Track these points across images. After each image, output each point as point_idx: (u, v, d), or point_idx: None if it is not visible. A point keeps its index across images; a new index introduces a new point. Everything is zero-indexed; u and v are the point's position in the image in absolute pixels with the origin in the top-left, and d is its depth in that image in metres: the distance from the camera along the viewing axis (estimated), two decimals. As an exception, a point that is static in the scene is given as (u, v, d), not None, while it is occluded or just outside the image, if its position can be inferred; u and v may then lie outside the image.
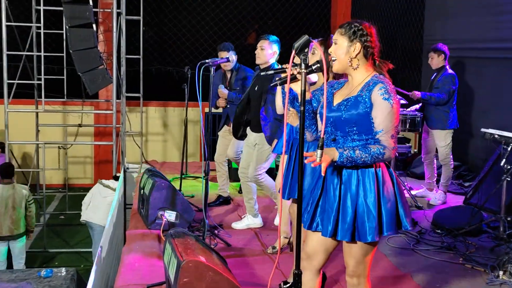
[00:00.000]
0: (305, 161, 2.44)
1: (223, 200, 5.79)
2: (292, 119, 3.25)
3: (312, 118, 2.74)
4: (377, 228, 2.55)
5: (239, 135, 4.98)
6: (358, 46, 2.61)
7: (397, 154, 6.45)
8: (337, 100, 2.67)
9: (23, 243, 5.96)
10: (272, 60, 4.71)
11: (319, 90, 2.82)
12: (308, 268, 2.71)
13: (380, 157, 2.51)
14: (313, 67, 2.51)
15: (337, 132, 2.64)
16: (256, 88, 4.76)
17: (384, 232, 2.58)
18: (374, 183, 2.57)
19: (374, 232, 2.54)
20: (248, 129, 4.92)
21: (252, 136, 4.83)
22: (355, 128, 2.57)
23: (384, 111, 2.52)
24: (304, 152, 2.42)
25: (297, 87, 2.60)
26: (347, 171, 2.59)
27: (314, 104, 2.77)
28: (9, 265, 5.92)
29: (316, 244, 2.72)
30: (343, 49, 2.62)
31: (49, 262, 6.56)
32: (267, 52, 4.66)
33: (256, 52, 4.74)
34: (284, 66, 2.64)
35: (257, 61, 4.74)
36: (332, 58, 2.64)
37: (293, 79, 2.57)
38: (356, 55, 2.62)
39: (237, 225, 4.97)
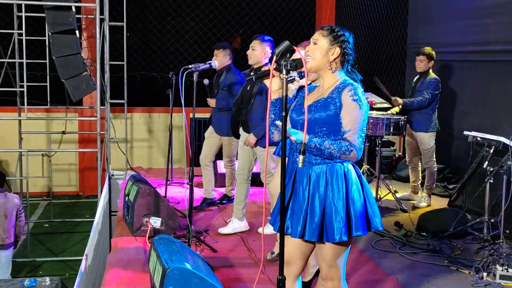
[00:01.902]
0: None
1: (209, 202, 5.78)
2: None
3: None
4: (346, 229, 2.58)
5: (238, 135, 5.02)
6: (337, 50, 2.66)
7: (381, 157, 6.48)
8: (307, 102, 2.70)
9: (10, 253, 5.90)
10: (266, 60, 4.74)
11: (300, 93, 2.85)
12: (287, 274, 2.69)
13: (347, 154, 2.54)
14: (288, 63, 2.51)
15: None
16: (248, 89, 4.81)
17: (353, 233, 2.60)
18: (343, 184, 2.60)
19: (342, 232, 2.56)
20: (241, 129, 4.96)
21: (244, 136, 4.87)
22: (324, 129, 2.61)
23: (352, 112, 2.56)
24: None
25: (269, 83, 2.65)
26: (316, 172, 2.63)
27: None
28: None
29: (292, 249, 2.74)
30: (322, 50, 2.66)
31: (34, 271, 6.47)
32: (259, 52, 4.70)
33: (248, 52, 4.78)
34: (265, 68, 2.67)
35: (250, 62, 4.79)
36: (308, 57, 2.67)
37: (267, 74, 2.63)
38: (334, 59, 2.66)
39: (224, 230, 4.94)
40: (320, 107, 2.62)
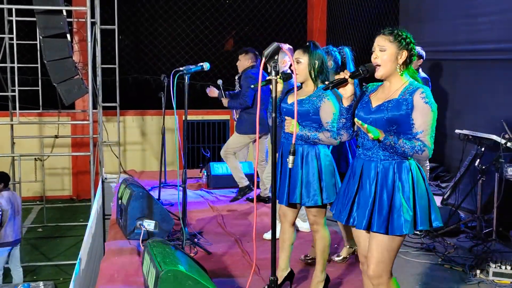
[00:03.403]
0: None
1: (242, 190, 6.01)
2: (292, 128, 3.29)
3: (351, 119, 2.85)
4: (413, 222, 2.65)
5: None
6: (405, 54, 2.75)
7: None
8: (375, 102, 2.77)
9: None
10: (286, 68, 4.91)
11: (366, 93, 2.89)
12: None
13: (420, 153, 2.63)
14: (361, 70, 2.69)
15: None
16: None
17: (418, 226, 2.68)
18: (410, 179, 2.68)
19: (410, 226, 2.64)
20: None
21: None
22: (394, 127, 2.68)
23: (425, 114, 2.65)
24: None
25: (344, 91, 2.75)
26: (384, 166, 2.71)
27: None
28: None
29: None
30: (392, 56, 2.74)
31: (28, 276, 6.44)
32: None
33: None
34: (340, 75, 2.70)
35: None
36: (376, 64, 2.73)
37: (343, 82, 2.72)
38: (403, 62, 2.74)
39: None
40: (392, 107, 2.69)
